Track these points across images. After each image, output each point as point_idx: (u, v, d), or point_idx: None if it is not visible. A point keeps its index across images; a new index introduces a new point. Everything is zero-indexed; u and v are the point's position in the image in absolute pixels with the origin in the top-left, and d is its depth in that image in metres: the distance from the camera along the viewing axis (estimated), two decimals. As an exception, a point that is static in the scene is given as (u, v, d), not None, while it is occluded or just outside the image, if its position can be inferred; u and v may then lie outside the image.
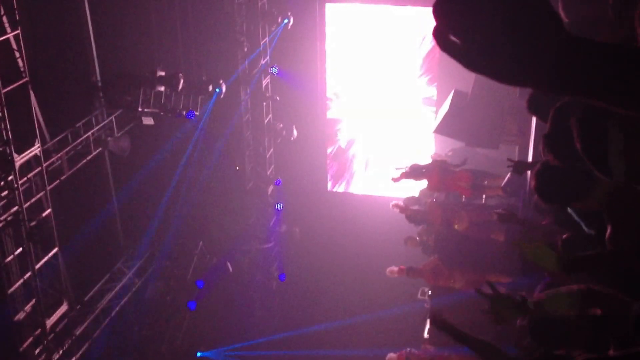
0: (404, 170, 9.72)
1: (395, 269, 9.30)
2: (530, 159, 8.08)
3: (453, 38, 1.06)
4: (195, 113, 10.66)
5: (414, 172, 9.57)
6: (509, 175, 8.26)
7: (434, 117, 11.68)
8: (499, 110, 9.64)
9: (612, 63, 1.05)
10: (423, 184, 10.01)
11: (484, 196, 9.90)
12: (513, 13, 1.02)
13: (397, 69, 12.71)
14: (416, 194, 10.29)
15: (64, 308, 9.74)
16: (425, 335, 9.81)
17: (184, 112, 10.48)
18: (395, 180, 9.79)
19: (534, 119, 7.76)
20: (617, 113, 1.44)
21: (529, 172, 6.15)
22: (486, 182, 9.69)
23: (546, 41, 1.03)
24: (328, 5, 12.54)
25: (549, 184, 3.07)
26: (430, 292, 9.65)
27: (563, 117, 3.08)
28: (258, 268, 13.04)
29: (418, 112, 12.90)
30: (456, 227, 9.02)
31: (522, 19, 1.02)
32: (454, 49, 1.06)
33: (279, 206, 12.88)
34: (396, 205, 9.95)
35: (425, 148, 12.31)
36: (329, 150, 13.85)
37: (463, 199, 9.96)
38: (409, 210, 9.60)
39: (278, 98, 12.66)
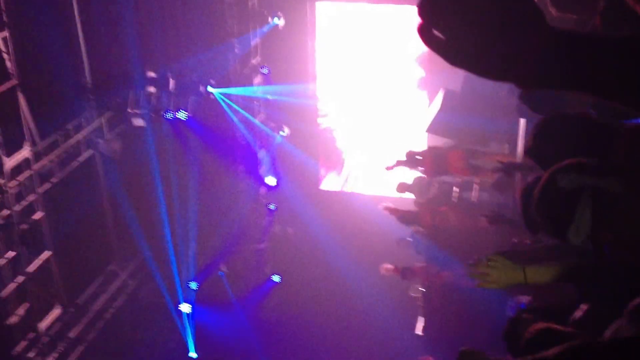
0: (399, 159, 9.63)
1: (390, 266, 9.30)
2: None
3: (437, 34, 1.06)
4: (187, 113, 10.64)
5: (409, 160, 9.50)
6: (498, 175, 8.26)
7: (426, 115, 11.69)
8: (489, 108, 9.67)
9: (596, 54, 1.05)
10: (417, 173, 9.93)
11: (475, 192, 9.88)
12: (496, 9, 1.03)
13: (388, 67, 12.72)
14: (409, 181, 10.21)
15: (57, 311, 9.70)
16: (419, 332, 9.84)
17: (175, 113, 10.46)
18: (389, 168, 9.70)
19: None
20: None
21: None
22: (480, 162, 9.62)
23: (529, 37, 1.03)
24: (318, 4, 12.55)
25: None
26: (422, 289, 9.67)
27: (546, 131, 3.05)
28: (252, 269, 13.02)
29: (410, 110, 12.92)
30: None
31: (505, 15, 1.03)
32: (439, 45, 1.07)
33: (272, 206, 12.87)
34: (387, 208, 9.93)
35: (418, 146, 12.32)
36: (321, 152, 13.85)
37: (455, 197, 9.93)
38: (400, 211, 9.59)
39: (269, 97, 12.64)
